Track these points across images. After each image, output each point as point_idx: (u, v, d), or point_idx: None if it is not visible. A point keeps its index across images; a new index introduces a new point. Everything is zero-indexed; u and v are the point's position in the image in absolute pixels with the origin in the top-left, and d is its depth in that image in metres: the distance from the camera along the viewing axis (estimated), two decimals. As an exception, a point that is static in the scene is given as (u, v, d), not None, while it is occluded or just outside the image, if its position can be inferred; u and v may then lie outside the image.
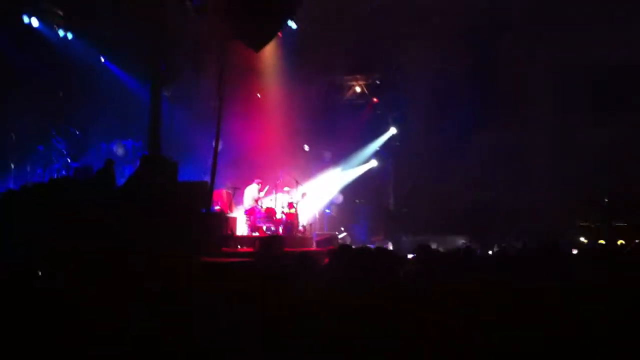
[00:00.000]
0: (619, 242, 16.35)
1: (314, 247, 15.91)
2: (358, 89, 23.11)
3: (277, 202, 16.89)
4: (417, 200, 21.69)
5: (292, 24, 19.37)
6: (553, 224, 19.01)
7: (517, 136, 21.21)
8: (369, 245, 15.35)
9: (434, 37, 20.49)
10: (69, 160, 17.34)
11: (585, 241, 18.06)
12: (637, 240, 16.65)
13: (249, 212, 16.11)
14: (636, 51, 19.14)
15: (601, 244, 16.83)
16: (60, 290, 4.31)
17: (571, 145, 20.04)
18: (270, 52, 19.58)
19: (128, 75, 19.37)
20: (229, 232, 13.73)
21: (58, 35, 17.92)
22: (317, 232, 18.22)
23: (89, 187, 12.66)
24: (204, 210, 12.19)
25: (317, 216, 19.73)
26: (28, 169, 17.44)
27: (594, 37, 19.48)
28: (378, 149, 22.83)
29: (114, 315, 3.77)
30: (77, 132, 18.21)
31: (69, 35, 18.10)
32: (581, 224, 19.27)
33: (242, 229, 16.02)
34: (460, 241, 16.21)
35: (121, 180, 13.79)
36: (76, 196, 10.65)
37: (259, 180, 16.66)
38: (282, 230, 16.02)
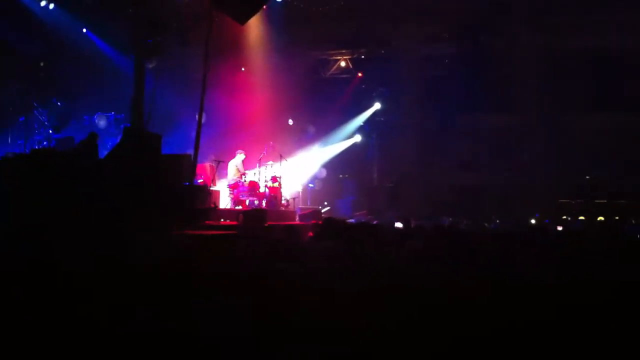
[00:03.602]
0: (599, 218, 16.59)
1: (297, 221, 15.94)
2: (343, 64, 23.02)
3: (261, 176, 16.87)
4: (402, 178, 21.80)
5: (277, -3, 19.23)
6: (536, 202, 19.25)
7: (502, 118, 21.41)
8: (351, 220, 15.47)
9: (423, 14, 20.48)
10: (51, 132, 17.20)
11: (567, 218, 18.25)
12: (616, 217, 16.90)
13: (233, 186, 16.08)
14: (621, 38, 19.36)
15: (581, 220, 17.05)
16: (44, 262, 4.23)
17: (555, 126, 20.25)
18: (255, 26, 19.43)
19: (111, 47, 19.18)
20: (212, 205, 13.70)
21: (40, 5, 17.68)
22: (300, 207, 18.25)
23: (70, 158, 12.54)
24: (187, 184, 12.16)
25: (301, 190, 19.75)
26: (9, 139, 17.30)
27: (585, 23, 19.64)
28: (362, 124, 22.84)
29: (99, 293, 3.73)
30: (59, 104, 18.05)
31: (51, 6, 17.86)
32: (562, 200, 19.50)
33: (225, 202, 16.00)
34: (445, 219, 16.27)
35: (103, 152, 13.69)
36: (58, 167, 10.58)
37: (241, 151, 16.60)
38: (266, 204, 16.01)
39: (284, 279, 4.18)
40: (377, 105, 22.57)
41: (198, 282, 3.78)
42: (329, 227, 7.11)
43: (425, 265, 5.24)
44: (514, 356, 3.17)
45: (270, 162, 17.23)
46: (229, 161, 16.49)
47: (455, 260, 5.17)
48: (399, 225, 11.14)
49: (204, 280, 3.87)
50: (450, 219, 16.12)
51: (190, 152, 12.42)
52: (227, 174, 16.47)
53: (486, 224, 16.26)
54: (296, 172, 19.47)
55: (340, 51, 22.85)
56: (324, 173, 21.45)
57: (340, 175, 22.97)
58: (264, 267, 4.79)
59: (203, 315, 3.30)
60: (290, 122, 22.33)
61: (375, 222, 14.87)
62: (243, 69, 21.25)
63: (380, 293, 3.78)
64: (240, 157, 16.54)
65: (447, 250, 5.99)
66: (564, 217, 18.23)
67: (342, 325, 3.26)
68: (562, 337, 3.25)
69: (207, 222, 12.07)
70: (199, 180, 14.70)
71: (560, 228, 14.71)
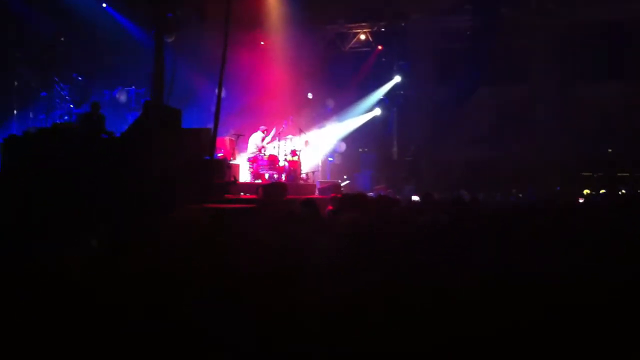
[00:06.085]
0: (621, 192, 16.46)
1: (316, 195, 15.95)
2: (363, 37, 22.90)
3: (280, 150, 16.87)
4: (419, 151, 21.79)
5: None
6: (557, 175, 19.15)
7: (522, 91, 21.29)
8: (370, 194, 15.45)
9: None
10: (72, 107, 17.34)
11: (588, 192, 18.11)
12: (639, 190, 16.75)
13: (252, 160, 16.10)
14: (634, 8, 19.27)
15: (603, 193, 16.92)
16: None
17: (574, 99, 20.16)
18: (274, 0, 19.35)
19: (130, 22, 19.21)
20: (232, 179, 13.73)
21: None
22: (320, 180, 18.26)
23: (72, 132, 12.56)
24: (207, 157, 12.20)
25: (320, 164, 19.75)
26: (31, 114, 17.49)
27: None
28: (382, 97, 22.73)
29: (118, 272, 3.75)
30: (80, 79, 18.17)
31: (71, -19, 17.92)
32: (584, 174, 19.37)
33: (245, 176, 16.04)
34: (464, 193, 16.18)
35: (124, 127, 13.76)
36: (74, 141, 10.72)
37: (264, 128, 16.55)
38: (285, 177, 16.01)
39: (286, 279, 4.19)
40: (397, 79, 22.44)
41: (200, 282, 3.78)
42: (348, 201, 7.10)
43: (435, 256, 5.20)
44: (519, 356, 3.18)
45: (290, 136, 17.21)
46: (249, 135, 16.50)
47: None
48: (416, 198, 11.15)
49: (207, 280, 3.87)
50: (467, 193, 16.01)
51: (211, 126, 12.46)
52: (247, 148, 16.50)
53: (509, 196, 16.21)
54: (316, 145, 19.45)
55: (360, 24, 22.72)
56: (343, 147, 21.42)
57: (360, 149, 22.93)
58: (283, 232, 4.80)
59: (206, 315, 3.32)
60: (310, 96, 22.28)
61: (395, 197, 14.86)
62: (262, 43, 21.20)
63: (382, 293, 3.78)
64: (260, 134, 16.47)
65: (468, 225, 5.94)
66: (586, 190, 18.08)
67: (343, 325, 3.28)
68: (567, 337, 3.25)
69: (226, 195, 12.14)
70: (219, 154, 14.73)
71: (581, 200, 14.62)
